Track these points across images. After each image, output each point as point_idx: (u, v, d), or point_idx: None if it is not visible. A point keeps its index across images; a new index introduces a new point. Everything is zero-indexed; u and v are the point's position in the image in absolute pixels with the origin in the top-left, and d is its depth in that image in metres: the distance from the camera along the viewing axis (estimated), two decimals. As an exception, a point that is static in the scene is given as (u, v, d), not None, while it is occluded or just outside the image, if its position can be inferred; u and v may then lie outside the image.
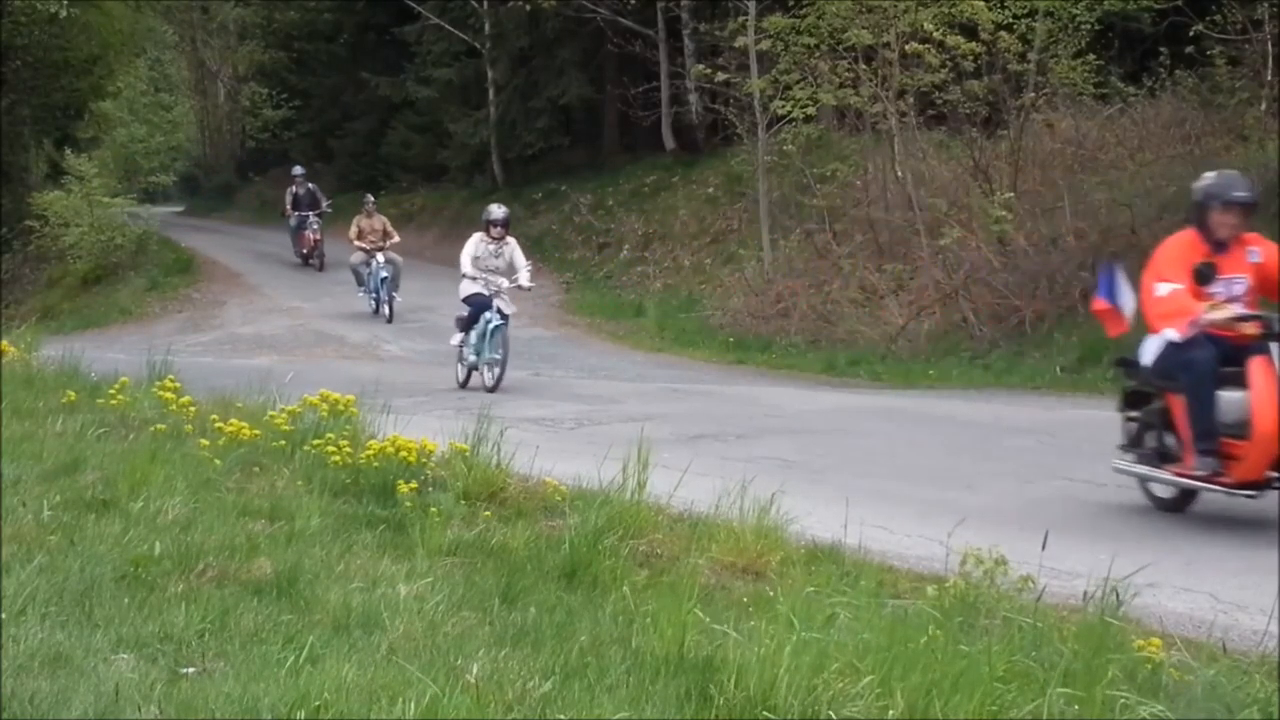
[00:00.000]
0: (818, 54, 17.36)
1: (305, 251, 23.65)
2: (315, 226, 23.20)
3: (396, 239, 20.84)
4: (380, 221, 21.06)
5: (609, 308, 20.75)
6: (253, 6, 39.21)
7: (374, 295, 19.88)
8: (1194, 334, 6.37)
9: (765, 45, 18.30)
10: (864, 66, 17.44)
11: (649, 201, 24.36)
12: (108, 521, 4.90)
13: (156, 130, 32.33)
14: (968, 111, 16.43)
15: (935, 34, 15.72)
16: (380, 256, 19.75)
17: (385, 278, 19.49)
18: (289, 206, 24.07)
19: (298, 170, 24.92)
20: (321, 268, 22.83)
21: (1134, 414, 7.05)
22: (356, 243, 20.25)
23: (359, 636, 3.96)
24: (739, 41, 19.50)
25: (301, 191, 24.16)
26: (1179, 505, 6.78)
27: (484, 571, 4.84)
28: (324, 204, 24.25)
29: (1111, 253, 11.51)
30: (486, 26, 27.88)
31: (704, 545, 5.25)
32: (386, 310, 19.38)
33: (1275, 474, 6.26)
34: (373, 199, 22.00)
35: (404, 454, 6.04)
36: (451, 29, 28.14)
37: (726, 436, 9.36)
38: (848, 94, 17.61)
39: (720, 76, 19.44)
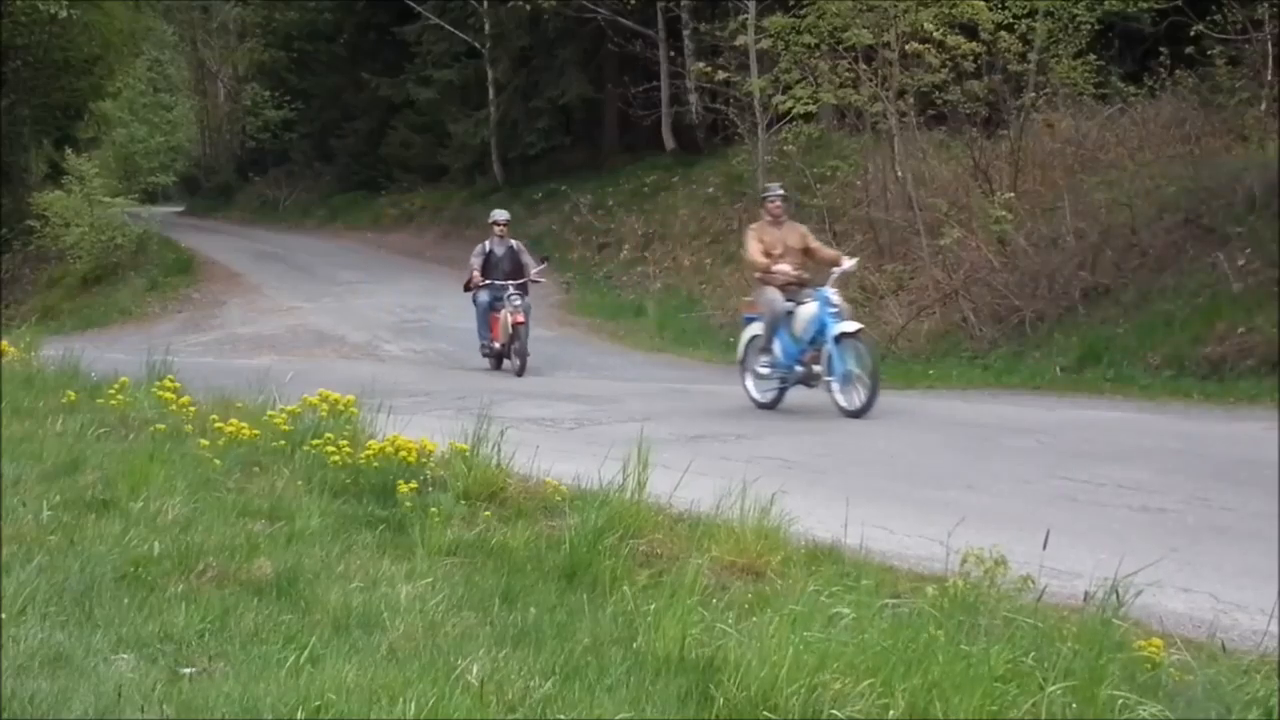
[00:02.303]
0: (818, 54, 17.36)
1: (500, 346, 14.81)
2: (517, 304, 14.48)
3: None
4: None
5: (609, 308, 20.75)
6: (252, 6, 39.25)
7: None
8: None
9: (765, 45, 18.31)
10: (864, 66, 17.44)
11: (649, 201, 24.36)
12: (108, 521, 4.91)
13: (156, 130, 32.39)
14: (968, 111, 16.43)
15: (935, 34, 15.72)
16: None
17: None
18: (478, 272, 15.02)
19: (500, 215, 15.46)
20: (522, 370, 14.24)
21: None
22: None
23: (359, 636, 3.96)
24: (739, 41, 19.51)
25: (500, 251, 15.17)
26: None
27: (484, 571, 4.83)
28: (533, 269, 15.20)
29: None
30: (487, 26, 27.90)
31: (704, 545, 5.25)
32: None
33: None
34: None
35: (404, 454, 6.04)
36: (452, 29, 28.16)
37: (726, 436, 9.36)
38: (848, 93, 17.61)
39: (720, 76, 19.44)
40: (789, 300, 10.82)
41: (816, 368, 10.58)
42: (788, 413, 10.95)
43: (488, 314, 14.90)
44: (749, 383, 11.22)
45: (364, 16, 32.72)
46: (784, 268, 10.87)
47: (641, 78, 25.07)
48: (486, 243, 15.18)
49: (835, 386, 10.34)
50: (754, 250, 11.09)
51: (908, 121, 17.35)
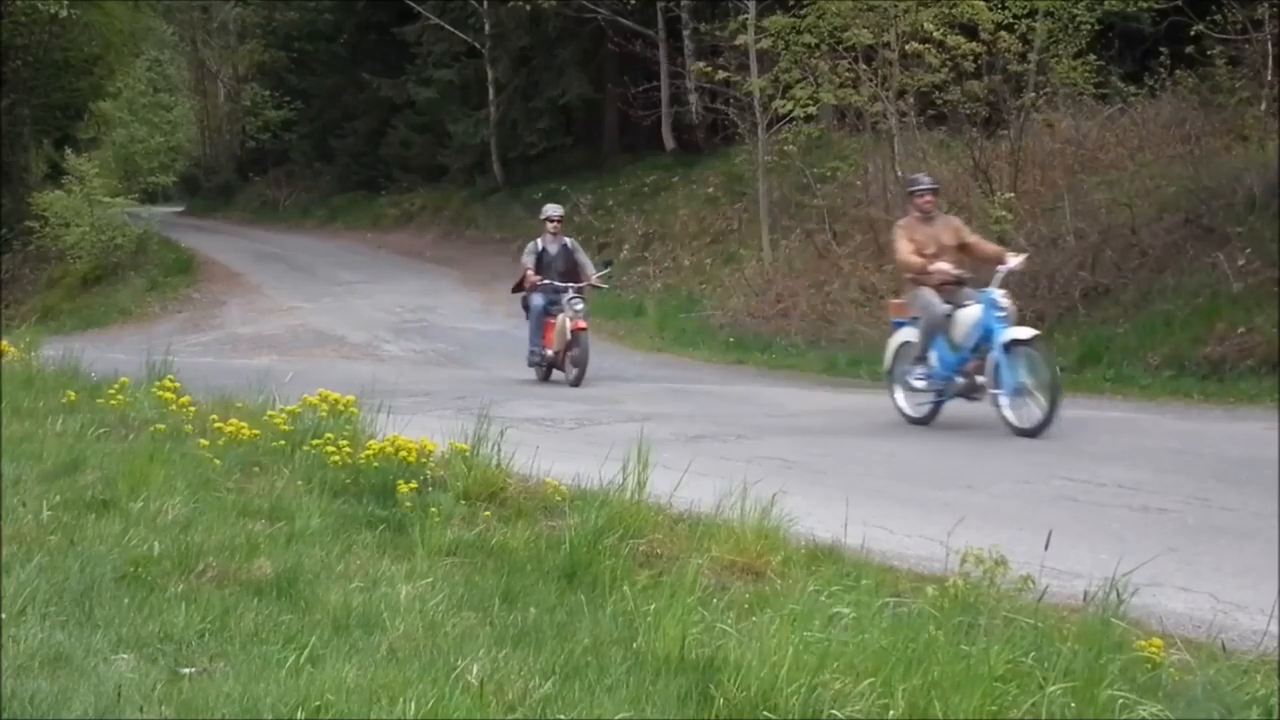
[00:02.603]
0: (818, 53, 17.37)
1: (553, 353, 13.46)
2: (579, 309, 13.19)
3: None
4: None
5: (609, 308, 20.72)
6: (252, 6, 39.26)
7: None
8: None
9: (765, 45, 18.31)
10: (864, 66, 17.45)
11: (649, 201, 24.37)
12: (108, 521, 4.90)
13: (156, 130, 32.39)
14: (968, 111, 16.44)
15: (935, 34, 15.73)
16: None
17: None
18: (532, 271, 13.67)
19: (553, 211, 14.14)
20: (579, 380, 12.92)
21: None
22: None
23: (359, 636, 3.96)
24: (739, 40, 19.51)
25: (554, 250, 13.84)
26: None
27: (484, 571, 4.83)
28: (593, 273, 14.01)
29: None
30: (487, 26, 27.92)
31: (704, 545, 5.24)
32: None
33: None
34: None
35: (404, 454, 6.04)
36: (452, 29, 28.17)
37: (726, 436, 9.35)
38: (848, 94, 17.61)
39: (720, 75, 19.45)
40: (947, 303, 9.77)
41: (980, 379, 9.55)
42: (788, 413, 10.95)
43: (541, 318, 13.54)
44: (899, 396, 10.14)
45: (364, 16, 32.72)
46: (944, 266, 9.80)
47: (641, 78, 25.08)
48: (538, 240, 13.87)
49: (1004, 401, 9.26)
50: (906, 250, 9.95)
51: (908, 121, 17.37)
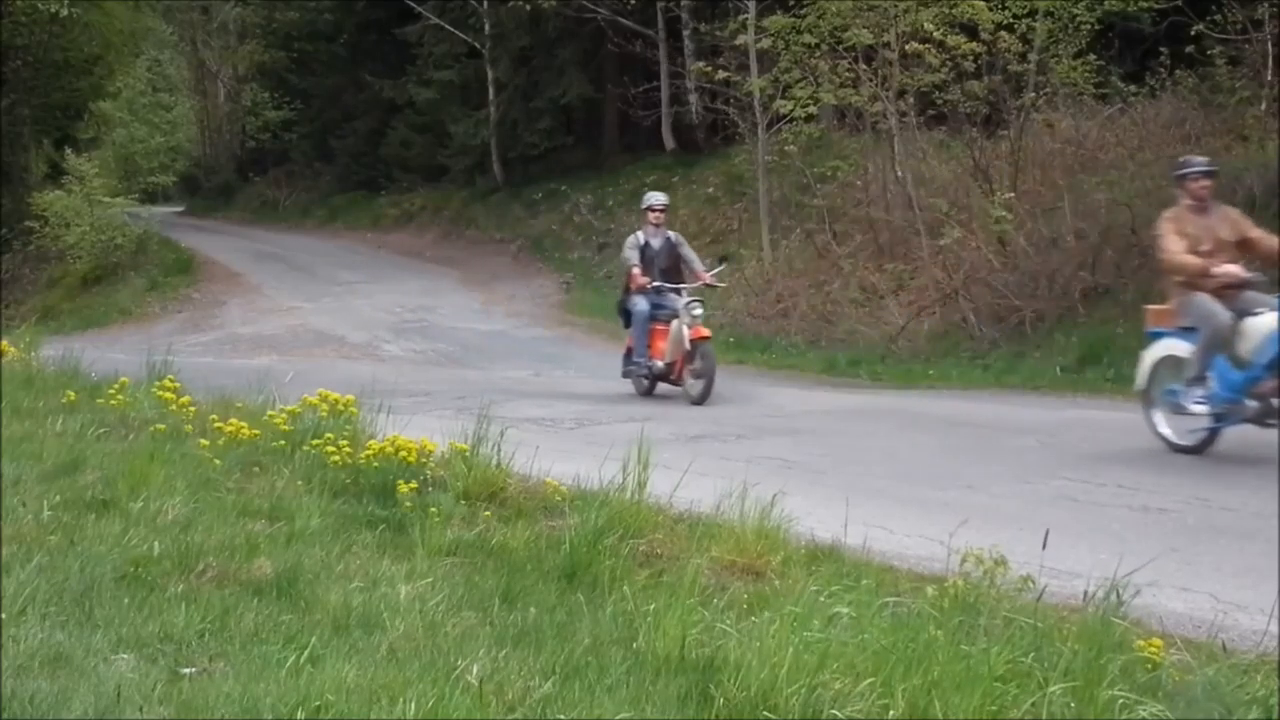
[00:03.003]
0: (818, 53, 17.37)
1: (664, 365, 11.72)
2: (698, 314, 11.44)
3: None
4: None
5: (609, 308, 20.69)
6: (252, 6, 39.25)
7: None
8: None
9: (765, 44, 18.31)
10: (864, 66, 17.45)
11: (649, 201, 24.34)
12: (108, 521, 4.90)
13: (156, 130, 32.42)
14: (968, 111, 16.44)
15: (935, 34, 15.73)
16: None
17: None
18: (637, 269, 11.94)
19: (656, 200, 12.47)
20: (705, 396, 11.20)
21: None
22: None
23: (359, 636, 3.96)
24: (739, 40, 19.51)
25: (657, 244, 12.18)
26: None
27: (484, 571, 4.83)
28: (701, 269, 12.28)
29: None
30: (487, 27, 27.92)
31: (704, 545, 5.25)
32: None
33: None
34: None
35: (404, 454, 6.04)
36: (452, 29, 28.17)
37: (726, 436, 9.36)
38: (848, 94, 17.62)
39: (720, 74, 19.45)
40: (1231, 310, 8.10)
41: (1276, 401, 7.94)
42: (788, 413, 10.94)
43: (648, 324, 11.82)
44: (1159, 419, 8.52)
45: (364, 16, 32.72)
46: (1231, 268, 8.12)
47: (641, 78, 25.09)
48: (639, 234, 12.23)
49: None
50: (1177, 247, 8.24)
51: (908, 121, 17.37)
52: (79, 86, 32.32)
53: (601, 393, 12.32)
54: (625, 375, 12.27)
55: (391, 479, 5.75)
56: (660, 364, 11.73)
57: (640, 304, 11.90)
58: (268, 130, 37.81)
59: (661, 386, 11.96)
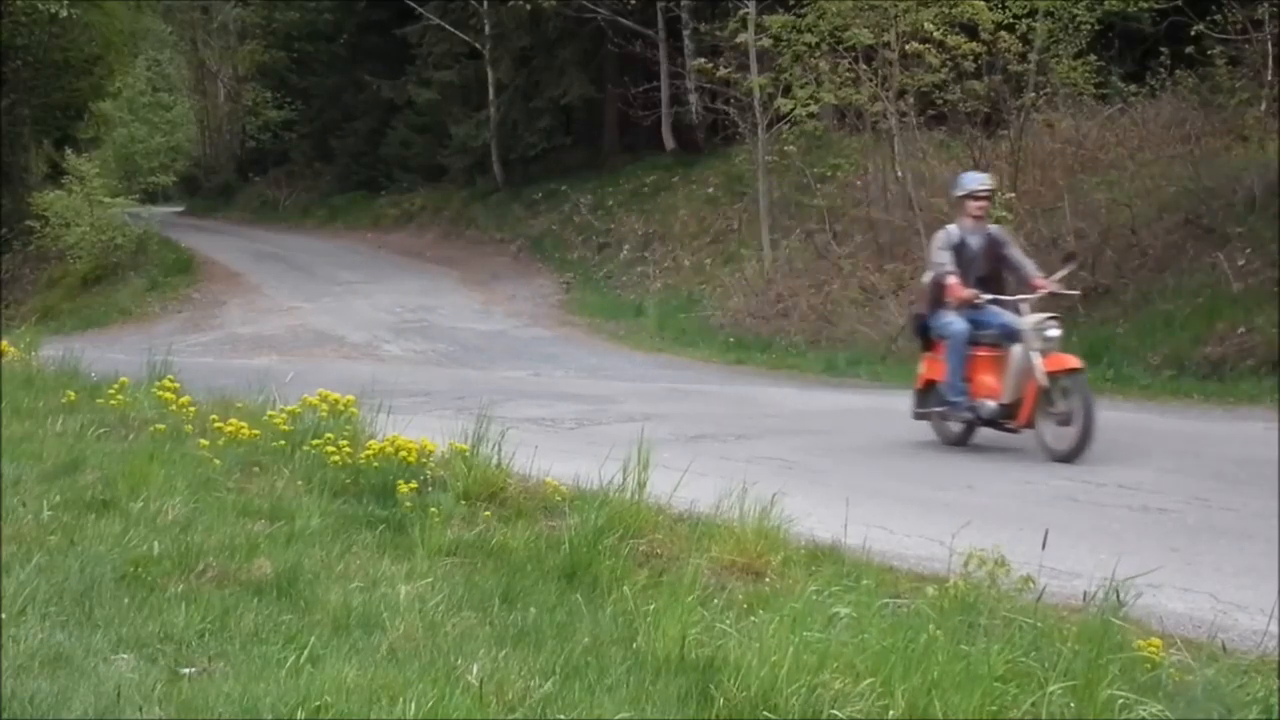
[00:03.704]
0: (818, 53, 17.37)
1: (998, 405, 8.68)
2: (1052, 336, 8.49)
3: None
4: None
5: (609, 308, 20.75)
6: (252, 6, 39.23)
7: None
8: None
9: (766, 44, 18.31)
10: (864, 66, 17.45)
11: (649, 201, 24.37)
12: (108, 521, 4.90)
13: (156, 130, 32.40)
14: (968, 111, 16.44)
15: (935, 34, 15.73)
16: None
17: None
18: (954, 278, 8.82)
19: (977, 184, 9.37)
20: (1080, 449, 8.03)
21: None
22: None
23: (359, 636, 3.96)
24: (739, 39, 19.50)
25: (976, 242, 9.10)
26: None
27: (484, 571, 4.83)
28: (1034, 273, 9.08)
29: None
30: (487, 27, 27.90)
31: (704, 545, 5.25)
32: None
33: None
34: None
35: (404, 454, 6.04)
36: (452, 30, 28.15)
37: (726, 436, 9.36)
38: (848, 93, 17.61)
39: (720, 72, 19.45)
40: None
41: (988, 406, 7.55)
42: (788, 413, 10.95)
43: (965, 349, 8.85)
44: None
45: (364, 17, 32.69)
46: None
47: (641, 78, 25.07)
48: (953, 228, 9.13)
49: None
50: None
51: (908, 121, 17.36)
52: (79, 86, 32.32)
53: (601, 393, 12.32)
54: (920, 417, 9.19)
55: (391, 479, 5.75)
56: (993, 405, 8.65)
57: (955, 323, 8.84)
58: (268, 130, 37.80)
59: (984, 432, 8.92)
